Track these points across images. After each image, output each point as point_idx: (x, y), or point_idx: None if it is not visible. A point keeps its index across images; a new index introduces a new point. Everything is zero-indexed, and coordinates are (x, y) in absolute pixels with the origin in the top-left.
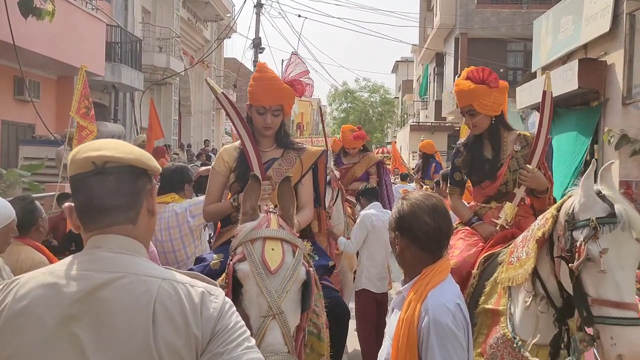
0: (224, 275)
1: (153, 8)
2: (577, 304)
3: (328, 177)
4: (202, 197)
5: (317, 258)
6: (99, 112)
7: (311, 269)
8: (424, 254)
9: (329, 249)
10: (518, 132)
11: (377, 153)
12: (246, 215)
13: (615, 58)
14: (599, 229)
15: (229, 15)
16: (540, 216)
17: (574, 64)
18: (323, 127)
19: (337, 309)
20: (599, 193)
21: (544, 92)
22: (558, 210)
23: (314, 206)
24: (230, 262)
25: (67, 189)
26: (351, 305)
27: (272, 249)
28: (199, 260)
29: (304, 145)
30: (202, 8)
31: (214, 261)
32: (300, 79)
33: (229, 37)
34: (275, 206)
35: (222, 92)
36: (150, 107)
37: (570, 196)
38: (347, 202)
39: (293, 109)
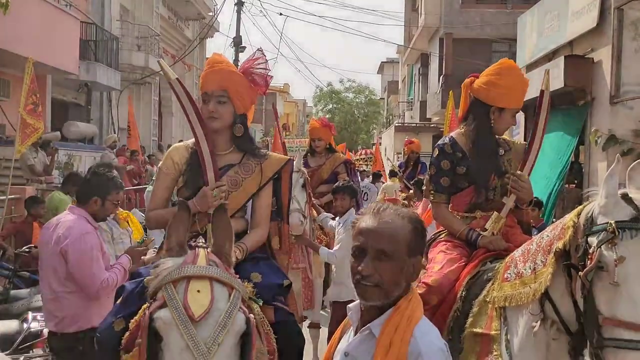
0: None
1: (132, 5)
2: (587, 323)
3: (302, 180)
4: None
5: (261, 303)
6: (75, 112)
7: (251, 315)
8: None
9: (303, 256)
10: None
11: (361, 154)
12: (171, 251)
13: (603, 55)
14: (617, 233)
15: (211, 13)
16: (550, 227)
17: (560, 61)
18: (278, 125)
19: (290, 336)
20: (625, 195)
21: (542, 91)
22: (578, 216)
23: (275, 219)
24: (147, 311)
25: (29, 192)
26: (322, 312)
27: (198, 291)
28: (134, 275)
29: (267, 152)
30: (183, 6)
31: (150, 277)
32: (254, 69)
33: (211, 37)
34: (199, 234)
35: (177, 78)
36: (129, 113)
37: (592, 201)
38: (313, 206)
39: (278, 109)
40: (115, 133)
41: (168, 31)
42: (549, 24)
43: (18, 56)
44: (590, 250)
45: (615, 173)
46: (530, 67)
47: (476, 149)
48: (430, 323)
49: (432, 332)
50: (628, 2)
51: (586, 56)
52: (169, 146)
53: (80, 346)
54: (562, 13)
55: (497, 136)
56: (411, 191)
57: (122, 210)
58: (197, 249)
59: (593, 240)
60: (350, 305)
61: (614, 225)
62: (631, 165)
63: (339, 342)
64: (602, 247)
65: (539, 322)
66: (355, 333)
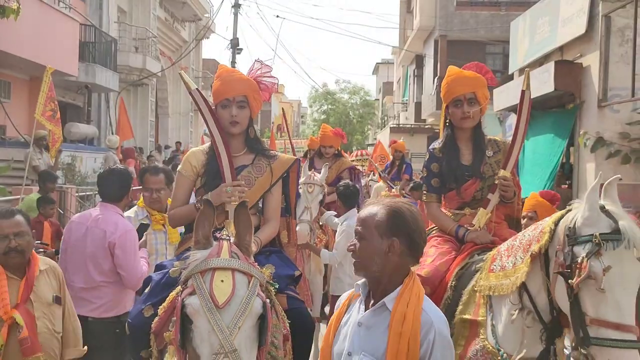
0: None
1: (129, 7)
2: (574, 323)
3: (321, 196)
4: None
5: (277, 286)
6: (74, 113)
7: (268, 300)
8: (410, 262)
9: (301, 259)
10: (488, 137)
11: (356, 156)
12: (198, 244)
13: (591, 60)
14: (602, 245)
15: (207, 15)
16: (532, 227)
17: (550, 66)
18: (287, 128)
19: (302, 321)
20: (602, 208)
21: (522, 92)
22: (556, 224)
23: (284, 215)
24: (179, 297)
25: (34, 191)
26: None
27: (222, 281)
28: (159, 267)
29: (276, 153)
30: (180, 8)
31: (174, 269)
32: (263, 79)
33: (207, 38)
34: (218, 229)
35: (197, 89)
36: (120, 107)
37: (570, 209)
38: (320, 212)
39: (273, 110)
40: (114, 134)
41: (165, 33)
42: (540, 30)
43: (18, 58)
44: (579, 260)
45: (597, 188)
46: (522, 71)
47: (441, 149)
48: (430, 300)
49: (435, 307)
50: (615, 10)
51: (575, 61)
52: (166, 147)
53: (117, 329)
54: (553, 19)
55: (490, 138)
56: (394, 190)
57: (157, 212)
58: (221, 241)
59: (579, 250)
60: (358, 282)
61: (599, 237)
62: (608, 180)
63: (345, 314)
64: (590, 258)
65: (517, 311)
66: (366, 306)
